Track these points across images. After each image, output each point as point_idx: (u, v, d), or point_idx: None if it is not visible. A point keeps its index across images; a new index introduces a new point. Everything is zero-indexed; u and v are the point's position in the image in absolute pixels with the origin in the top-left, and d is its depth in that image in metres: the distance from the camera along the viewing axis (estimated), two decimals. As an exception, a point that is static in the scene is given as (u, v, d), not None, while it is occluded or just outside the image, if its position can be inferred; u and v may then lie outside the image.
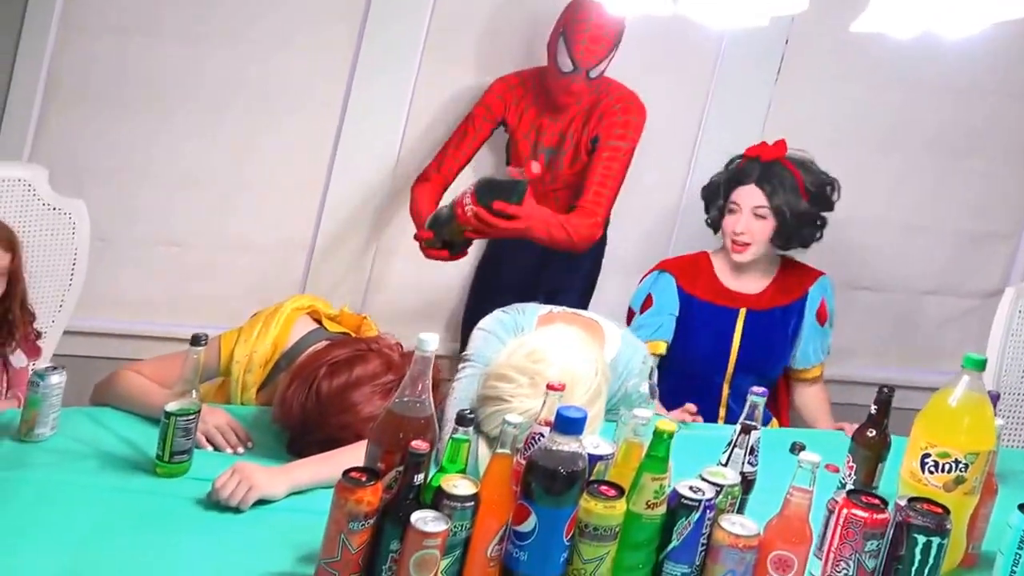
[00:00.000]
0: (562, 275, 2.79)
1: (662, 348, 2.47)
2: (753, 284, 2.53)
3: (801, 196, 2.41)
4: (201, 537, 1.57)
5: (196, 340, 1.71)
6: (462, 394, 1.85)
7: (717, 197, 2.50)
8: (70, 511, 1.59)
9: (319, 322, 2.10)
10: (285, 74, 2.97)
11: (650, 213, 3.17)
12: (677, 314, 2.50)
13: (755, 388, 1.66)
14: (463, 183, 2.51)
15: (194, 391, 1.72)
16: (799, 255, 2.59)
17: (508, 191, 2.22)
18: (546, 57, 2.61)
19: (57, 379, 1.80)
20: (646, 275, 2.59)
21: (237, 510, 1.62)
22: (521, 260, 2.77)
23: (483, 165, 2.94)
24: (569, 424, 1.39)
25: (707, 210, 2.56)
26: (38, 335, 2.40)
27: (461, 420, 1.45)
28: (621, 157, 2.57)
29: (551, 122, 2.65)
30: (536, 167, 2.24)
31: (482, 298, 2.68)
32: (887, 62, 3.00)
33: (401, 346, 1.89)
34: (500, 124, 2.72)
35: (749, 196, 2.42)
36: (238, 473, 1.63)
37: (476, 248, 2.97)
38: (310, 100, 3.01)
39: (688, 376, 2.47)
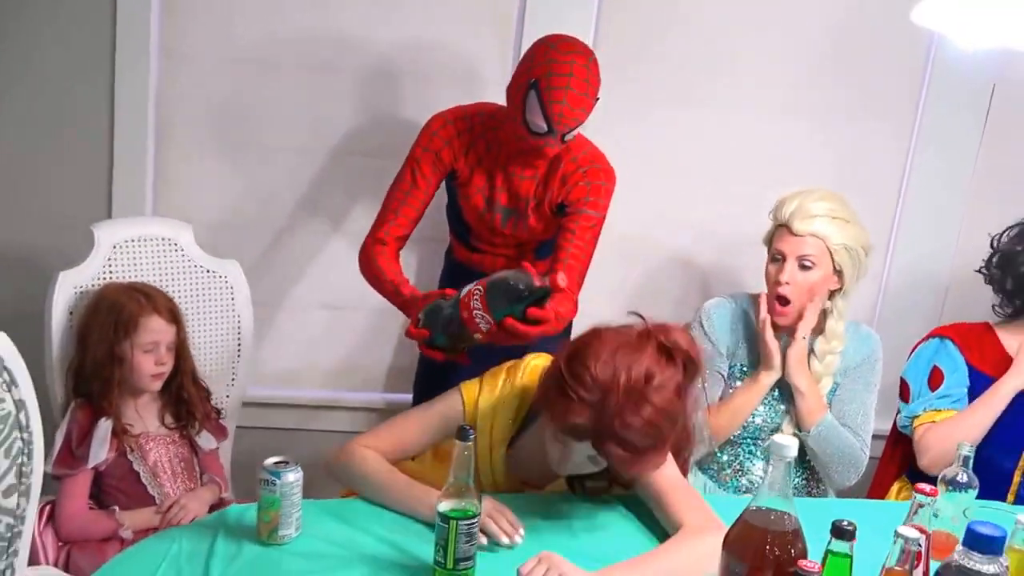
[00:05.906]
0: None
1: None
2: None
3: None
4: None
5: (465, 435, 1.49)
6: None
7: None
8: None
9: None
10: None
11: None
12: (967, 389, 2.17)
13: None
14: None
15: (472, 492, 1.52)
16: None
17: (527, 297, 1.81)
18: (506, 101, 2.12)
19: (294, 476, 1.60)
20: (918, 345, 2.28)
21: None
22: None
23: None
24: (988, 543, 1.20)
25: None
26: (218, 413, 2.22)
27: (839, 533, 1.27)
28: (592, 228, 2.21)
29: (506, 178, 2.21)
30: (563, 279, 1.88)
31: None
32: None
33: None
34: (449, 174, 2.26)
35: None
36: (545, 560, 1.46)
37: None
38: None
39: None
